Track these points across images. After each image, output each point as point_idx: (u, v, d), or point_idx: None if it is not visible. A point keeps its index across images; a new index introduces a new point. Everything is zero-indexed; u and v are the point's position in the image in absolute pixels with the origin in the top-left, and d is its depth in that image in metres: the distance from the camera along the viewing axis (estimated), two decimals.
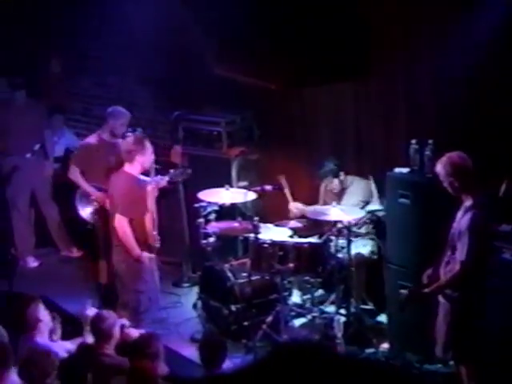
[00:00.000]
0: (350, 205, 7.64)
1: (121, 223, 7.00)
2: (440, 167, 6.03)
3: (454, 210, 6.07)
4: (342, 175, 7.79)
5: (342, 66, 7.10)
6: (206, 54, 7.78)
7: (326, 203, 7.88)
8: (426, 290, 6.08)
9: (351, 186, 7.83)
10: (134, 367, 5.42)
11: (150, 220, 7.11)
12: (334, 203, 7.53)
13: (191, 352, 7.22)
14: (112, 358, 5.79)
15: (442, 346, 6.14)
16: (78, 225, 8.27)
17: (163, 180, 7.39)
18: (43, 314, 6.15)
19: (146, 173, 7.26)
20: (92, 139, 8.12)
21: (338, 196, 7.82)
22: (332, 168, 7.74)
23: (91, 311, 6.28)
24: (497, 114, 6.94)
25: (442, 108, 7.30)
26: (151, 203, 7.18)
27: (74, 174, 7.98)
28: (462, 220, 5.96)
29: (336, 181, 7.79)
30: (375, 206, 7.60)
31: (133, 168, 7.07)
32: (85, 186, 7.91)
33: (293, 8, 6.74)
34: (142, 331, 6.19)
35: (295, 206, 7.99)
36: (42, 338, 6.06)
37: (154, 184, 7.23)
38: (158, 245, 7.20)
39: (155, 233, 7.15)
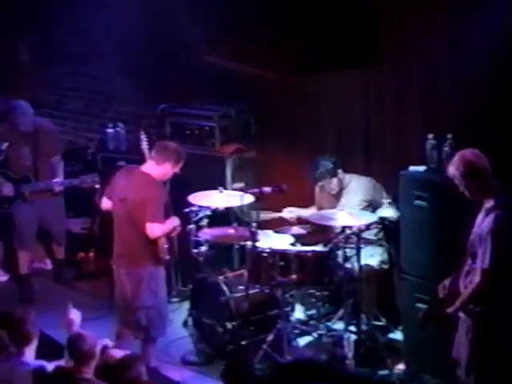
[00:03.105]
0: (350, 206, 7.37)
1: (153, 230, 6.74)
2: (453, 169, 5.63)
3: (476, 213, 5.72)
4: (340, 173, 7.56)
5: (349, 52, 6.99)
6: (197, 41, 7.66)
7: (321, 208, 7.67)
8: (449, 311, 5.66)
9: (350, 184, 7.60)
10: None
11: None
12: (339, 207, 7.27)
13: (182, 375, 7.08)
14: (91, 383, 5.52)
15: (464, 368, 5.74)
16: None
17: (72, 183, 8.00)
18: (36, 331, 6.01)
19: None
20: (3, 127, 8.48)
21: (336, 198, 7.61)
22: (329, 167, 7.50)
23: (76, 315, 5.99)
24: None
25: (463, 99, 7.00)
26: None
27: None
28: (483, 223, 5.58)
29: (335, 180, 7.55)
30: (388, 211, 7.25)
31: (154, 170, 6.87)
32: None
33: None
34: (127, 352, 5.85)
35: (288, 210, 7.78)
36: (31, 354, 5.88)
37: (61, 187, 8.00)
38: (167, 257, 7.01)
39: (166, 246, 6.96)
